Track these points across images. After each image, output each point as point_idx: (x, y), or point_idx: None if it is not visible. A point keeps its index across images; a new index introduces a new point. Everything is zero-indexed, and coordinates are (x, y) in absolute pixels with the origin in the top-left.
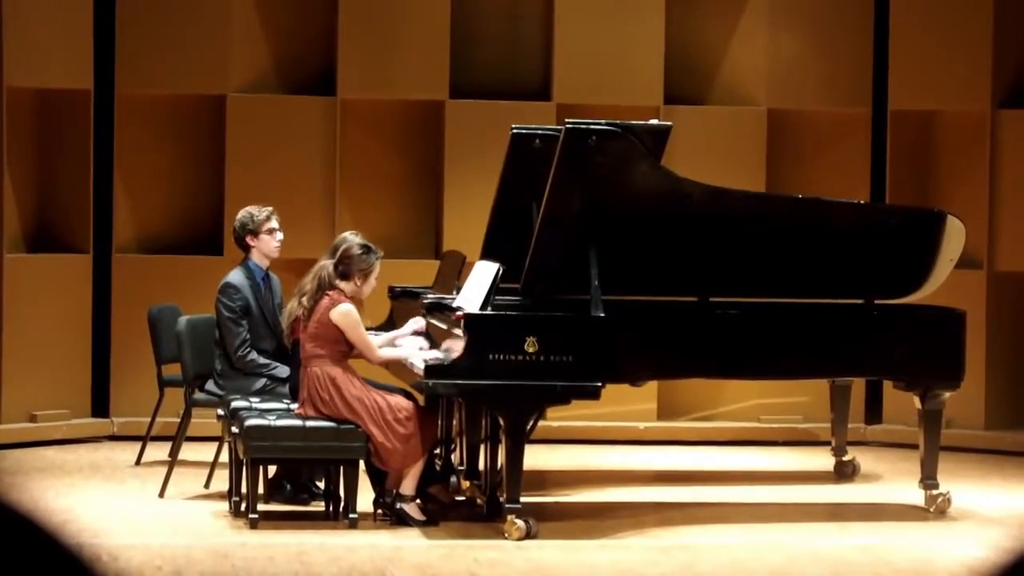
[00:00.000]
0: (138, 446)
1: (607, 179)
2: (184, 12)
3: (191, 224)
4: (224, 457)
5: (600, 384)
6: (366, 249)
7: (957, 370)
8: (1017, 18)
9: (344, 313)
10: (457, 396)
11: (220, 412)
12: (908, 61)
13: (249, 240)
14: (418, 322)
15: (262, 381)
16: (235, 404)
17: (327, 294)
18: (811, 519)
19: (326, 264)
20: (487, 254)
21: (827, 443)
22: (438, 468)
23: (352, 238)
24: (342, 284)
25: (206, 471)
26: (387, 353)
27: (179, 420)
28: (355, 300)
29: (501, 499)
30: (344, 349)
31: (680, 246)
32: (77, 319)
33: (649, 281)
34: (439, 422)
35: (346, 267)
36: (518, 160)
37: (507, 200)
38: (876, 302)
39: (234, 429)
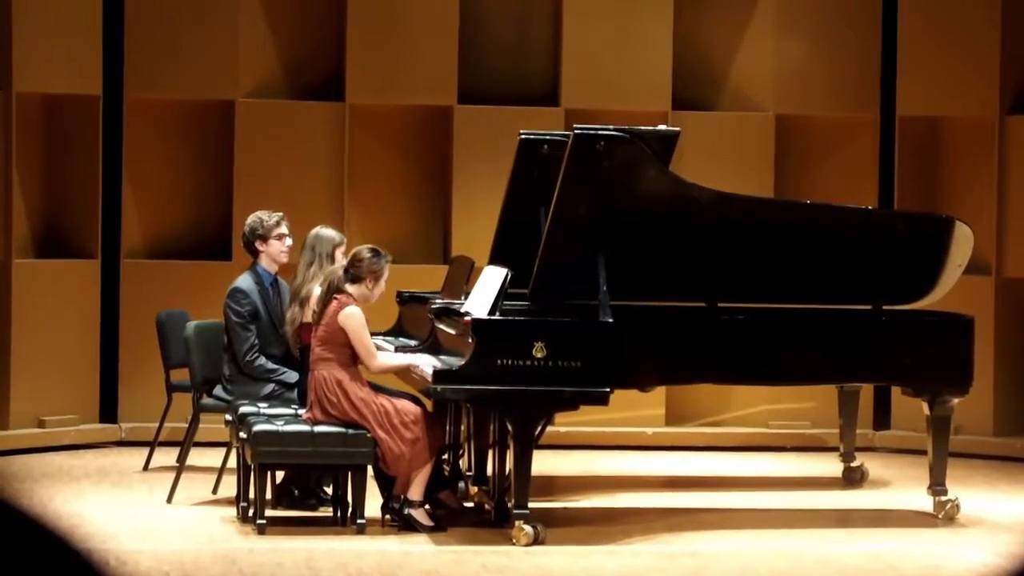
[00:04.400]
0: (146, 451)
1: (615, 184)
2: (193, 17)
3: (200, 229)
4: (232, 462)
5: (608, 390)
6: (376, 252)
7: (965, 376)
8: None
9: (350, 315)
10: (465, 402)
11: (228, 417)
12: (916, 67)
13: (258, 245)
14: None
15: (270, 386)
16: (243, 409)
17: (335, 298)
18: (819, 525)
19: (336, 268)
20: (495, 259)
21: (835, 449)
22: (446, 474)
23: (364, 248)
24: (351, 288)
25: (214, 476)
26: (387, 362)
27: (187, 425)
28: (364, 304)
29: (509, 505)
30: (352, 353)
31: (688, 251)
32: (85, 324)
33: (657, 286)
34: (447, 427)
35: (357, 270)
36: (526, 165)
37: (515, 205)
38: (884, 308)
39: (242, 434)
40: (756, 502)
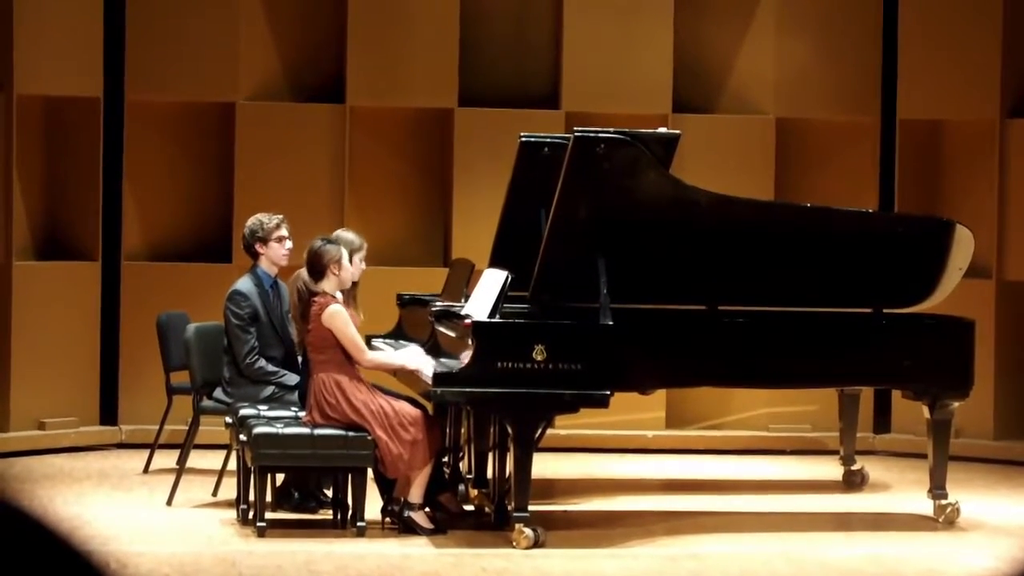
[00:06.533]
0: (146, 454)
1: (616, 187)
2: (194, 20)
3: (200, 231)
4: (232, 465)
5: (609, 392)
6: (325, 241)
7: (966, 380)
8: None
9: (332, 313)
10: (465, 404)
11: (228, 420)
12: (917, 70)
13: (258, 247)
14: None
15: (270, 389)
16: (243, 412)
17: (314, 300)
18: (819, 528)
19: (299, 274)
20: (495, 262)
21: (836, 452)
22: (446, 476)
23: (314, 242)
24: (323, 285)
25: (214, 479)
26: (378, 357)
27: (187, 428)
28: (344, 289)
29: (509, 508)
30: (345, 352)
31: (688, 254)
32: (86, 327)
33: (658, 289)
34: (447, 430)
35: (319, 266)
36: (527, 168)
37: (516, 208)
38: (885, 311)
39: (242, 437)
40: (756, 505)
